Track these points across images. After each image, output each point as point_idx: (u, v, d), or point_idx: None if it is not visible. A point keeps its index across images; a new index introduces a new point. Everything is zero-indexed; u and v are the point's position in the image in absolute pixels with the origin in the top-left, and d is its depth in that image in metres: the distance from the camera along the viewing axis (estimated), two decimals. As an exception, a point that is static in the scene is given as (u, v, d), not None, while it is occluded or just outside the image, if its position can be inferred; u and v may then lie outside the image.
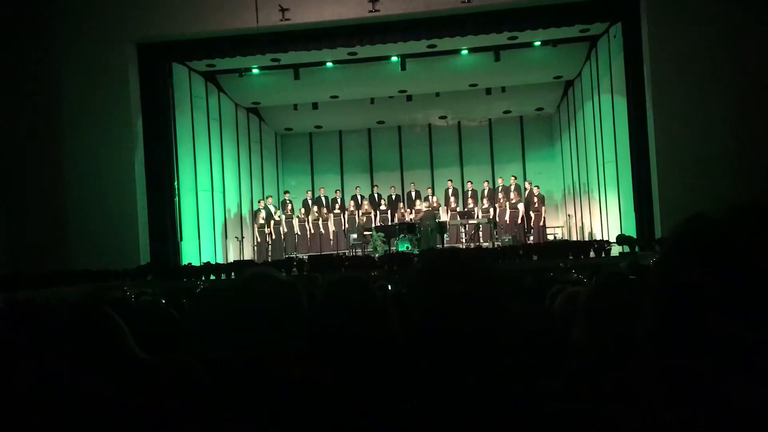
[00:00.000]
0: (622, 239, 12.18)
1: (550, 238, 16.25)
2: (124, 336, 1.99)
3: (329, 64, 15.22)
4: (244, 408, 1.32)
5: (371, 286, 1.71)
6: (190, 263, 13.39)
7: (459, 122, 19.31)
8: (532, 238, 15.73)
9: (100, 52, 13.15)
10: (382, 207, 17.32)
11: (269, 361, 1.36)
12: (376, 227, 15.77)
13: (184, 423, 1.46)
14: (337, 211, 17.34)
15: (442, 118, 19.07)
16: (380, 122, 19.13)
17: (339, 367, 1.40)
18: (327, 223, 16.92)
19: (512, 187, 16.70)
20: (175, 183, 14.02)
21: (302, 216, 16.86)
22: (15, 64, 13.19)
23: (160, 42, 13.57)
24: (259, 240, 16.51)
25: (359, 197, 17.62)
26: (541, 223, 15.95)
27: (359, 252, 15.36)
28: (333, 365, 1.41)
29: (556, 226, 17.50)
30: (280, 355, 1.37)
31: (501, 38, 13.82)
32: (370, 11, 12.72)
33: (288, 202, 17.25)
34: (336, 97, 17.12)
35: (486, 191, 17.20)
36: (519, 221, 15.88)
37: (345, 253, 15.66)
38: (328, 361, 1.43)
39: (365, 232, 15.85)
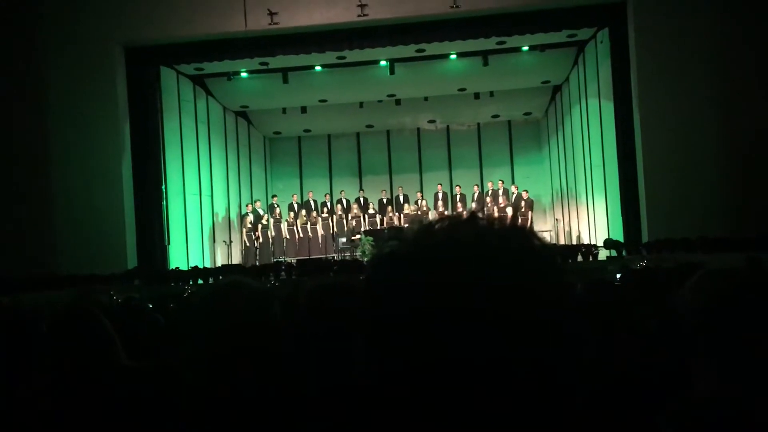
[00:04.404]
0: (609, 243, 12.24)
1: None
2: (112, 342, 1.97)
3: (318, 68, 15.21)
4: (222, 416, 1.32)
5: (354, 290, 1.71)
6: (177, 267, 13.32)
7: (448, 126, 19.34)
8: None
9: (88, 55, 13.08)
10: (371, 211, 17.31)
11: (240, 370, 1.36)
12: (364, 231, 15.75)
13: (170, 429, 1.46)
14: (325, 215, 17.31)
15: (431, 122, 19.10)
16: (369, 126, 19.13)
17: (318, 375, 1.40)
18: (315, 227, 16.89)
19: (501, 191, 16.75)
20: (163, 187, 13.95)
21: (291, 220, 16.82)
22: (2, 66, 13.10)
23: (148, 45, 13.52)
24: (247, 244, 16.45)
25: (347, 201, 17.60)
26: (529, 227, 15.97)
27: (348, 256, 15.34)
28: (312, 373, 1.41)
29: (544, 230, 17.54)
30: (252, 363, 1.36)
31: (489, 43, 13.88)
32: (359, 16, 12.73)
33: (276, 206, 17.20)
34: (325, 101, 17.12)
35: (475, 195, 17.25)
36: (507, 225, 15.87)
37: (333, 257, 15.64)
38: (307, 368, 1.43)
39: (354, 237, 15.83)
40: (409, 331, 0.58)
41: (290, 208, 17.32)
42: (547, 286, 0.61)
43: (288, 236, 16.69)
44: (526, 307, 0.58)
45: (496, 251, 0.62)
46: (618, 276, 4.32)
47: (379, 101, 17.57)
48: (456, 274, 0.59)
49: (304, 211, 17.05)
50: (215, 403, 1.31)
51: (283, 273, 12.26)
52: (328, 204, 17.65)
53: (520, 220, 15.88)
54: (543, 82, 16.81)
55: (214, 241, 16.11)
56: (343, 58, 14.45)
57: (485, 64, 14.84)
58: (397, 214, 17.11)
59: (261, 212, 16.78)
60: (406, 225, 15.48)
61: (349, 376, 1.27)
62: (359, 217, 17.00)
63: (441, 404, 0.57)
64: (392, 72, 15.11)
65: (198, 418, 1.33)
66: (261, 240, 16.37)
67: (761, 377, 1.20)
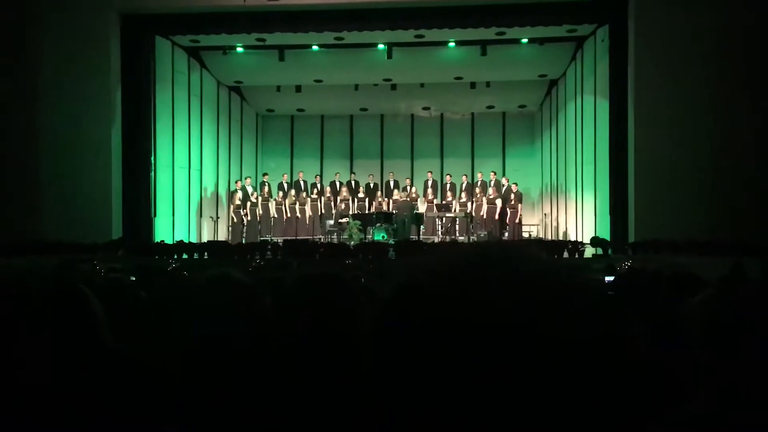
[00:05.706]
0: (596, 241, 12.29)
1: (526, 235, 16.34)
2: (99, 321, 1.88)
3: (315, 47, 15.06)
4: (211, 410, 1.29)
5: (345, 281, 1.67)
6: (162, 241, 13.25)
7: (442, 114, 19.30)
8: (507, 234, 15.80)
9: (83, 19, 12.88)
10: (360, 195, 17.27)
11: (225, 365, 1.32)
12: (353, 215, 15.72)
13: (158, 422, 1.41)
14: (314, 196, 17.25)
15: (425, 109, 19.05)
16: (363, 109, 19.04)
17: (305, 373, 1.37)
18: (304, 208, 16.82)
19: (491, 183, 16.73)
20: (152, 158, 13.82)
21: (279, 199, 16.74)
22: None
23: (144, 14, 13.32)
24: (234, 221, 16.38)
25: (338, 183, 17.55)
26: (517, 221, 16.03)
27: (335, 239, 15.31)
28: (298, 370, 1.38)
29: (532, 224, 17.60)
30: (237, 359, 1.33)
31: (489, 33, 13.81)
32: (360, -3, 12.62)
33: (266, 184, 17.11)
34: (320, 81, 17.00)
35: (464, 185, 17.24)
36: (496, 217, 15.93)
37: (320, 239, 15.61)
38: (293, 365, 1.39)
39: (342, 219, 15.79)
40: (431, 340, 0.60)
41: (280, 187, 17.23)
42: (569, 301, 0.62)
43: (276, 215, 16.63)
44: (548, 322, 0.59)
45: (524, 270, 0.64)
46: (608, 279, 4.31)
47: (375, 85, 17.49)
48: (485, 290, 0.61)
49: (293, 191, 16.97)
50: (206, 397, 1.28)
51: (269, 253, 12.20)
52: (318, 185, 17.58)
53: (509, 213, 15.82)
54: (540, 76, 16.78)
55: (201, 216, 16.01)
56: (341, 39, 14.33)
57: (483, 53, 14.77)
58: (386, 199, 17.08)
59: (250, 189, 16.68)
60: (394, 211, 15.45)
61: (338, 372, 1.25)
62: (348, 200, 16.96)
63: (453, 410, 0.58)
64: (389, 56, 15.02)
65: (188, 412, 1.30)
66: (249, 218, 16.27)
67: (759, 396, 1.18)
